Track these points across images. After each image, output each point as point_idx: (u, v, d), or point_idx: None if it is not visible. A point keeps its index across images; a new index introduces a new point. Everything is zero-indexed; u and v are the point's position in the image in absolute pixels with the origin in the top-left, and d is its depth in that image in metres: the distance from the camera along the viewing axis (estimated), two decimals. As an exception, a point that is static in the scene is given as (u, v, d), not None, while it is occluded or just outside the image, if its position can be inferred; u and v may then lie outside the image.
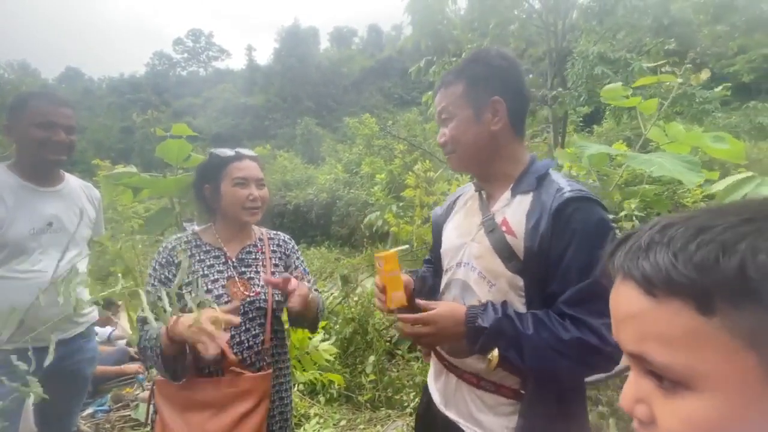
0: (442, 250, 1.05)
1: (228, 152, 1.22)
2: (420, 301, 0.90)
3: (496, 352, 0.82)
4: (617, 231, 0.86)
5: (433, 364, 1.07)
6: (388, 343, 3.36)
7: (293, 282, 1.12)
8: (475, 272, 0.91)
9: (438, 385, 1.02)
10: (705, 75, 1.99)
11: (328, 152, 17.87)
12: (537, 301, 0.85)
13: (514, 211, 0.88)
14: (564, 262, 0.80)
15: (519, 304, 0.86)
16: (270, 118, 36.36)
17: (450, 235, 1.03)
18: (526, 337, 0.79)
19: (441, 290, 1.04)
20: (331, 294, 3.94)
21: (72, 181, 1.65)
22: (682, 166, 1.63)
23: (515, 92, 0.91)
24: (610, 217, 0.90)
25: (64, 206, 1.54)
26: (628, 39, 7.28)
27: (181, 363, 1.06)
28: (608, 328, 0.76)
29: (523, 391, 0.86)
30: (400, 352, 3.39)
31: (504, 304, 0.85)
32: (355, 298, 3.54)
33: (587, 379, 0.92)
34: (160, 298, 1.04)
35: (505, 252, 0.86)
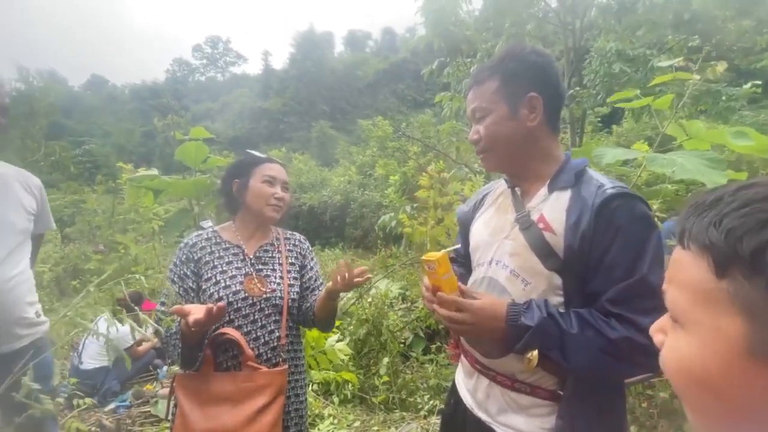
0: (470, 248, 1.03)
1: (262, 155, 1.31)
2: (463, 286, 0.88)
3: (535, 351, 0.79)
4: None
5: (463, 365, 1.05)
6: (401, 345, 3.36)
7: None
8: (507, 270, 0.89)
9: (468, 386, 1.00)
10: (721, 68, 1.93)
11: (342, 155, 17.99)
12: (576, 300, 0.83)
13: (552, 208, 0.86)
14: (607, 259, 0.78)
15: (556, 304, 0.84)
16: (285, 121, 36.84)
17: (480, 232, 1.01)
18: (571, 336, 0.77)
19: None
20: (345, 295, 3.96)
21: (2, 168, 1.43)
22: (705, 165, 1.58)
23: (551, 88, 0.90)
24: None
25: None
26: (648, 36, 7.10)
27: (197, 352, 1.12)
28: None
29: (561, 392, 0.83)
30: (413, 354, 3.38)
31: (546, 302, 0.83)
32: (369, 299, 3.55)
33: (627, 380, 0.90)
34: (178, 294, 1.07)
35: (543, 249, 0.83)
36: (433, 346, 3.41)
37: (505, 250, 0.91)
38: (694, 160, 1.60)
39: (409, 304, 4.06)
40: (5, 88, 1.35)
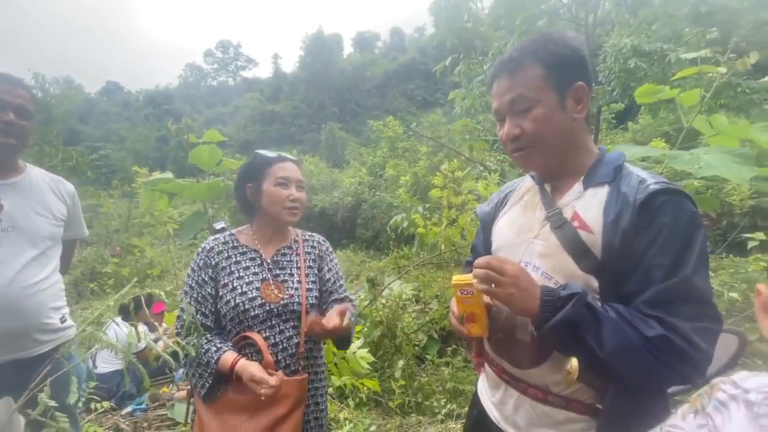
0: (493, 249, 0.98)
1: (272, 154, 1.25)
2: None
3: (575, 362, 0.73)
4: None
5: (488, 376, 0.99)
6: (416, 347, 3.31)
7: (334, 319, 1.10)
8: (539, 272, 0.83)
9: (494, 399, 0.94)
10: (754, 58, 1.85)
11: (352, 156, 18.00)
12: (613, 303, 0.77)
13: (588, 205, 0.81)
14: (647, 258, 0.72)
15: None
16: (296, 124, 37.14)
17: (504, 233, 0.95)
18: (609, 320, 0.71)
19: None
20: (358, 297, 3.93)
21: (35, 173, 1.42)
22: (733, 161, 1.51)
23: (590, 78, 0.84)
24: None
25: (20, 202, 1.32)
26: (664, 30, 6.92)
27: (223, 385, 1.12)
28: (698, 333, 0.68)
29: (598, 406, 0.78)
30: (429, 356, 3.33)
31: (583, 289, 0.76)
32: (383, 301, 3.51)
33: (669, 391, 0.83)
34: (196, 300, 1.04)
35: (578, 249, 0.78)
36: (449, 348, 3.35)
37: (534, 251, 0.85)
38: (721, 156, 1.54)
39: (422, 305, 4.01)
40: (24, 91, 1.33)
